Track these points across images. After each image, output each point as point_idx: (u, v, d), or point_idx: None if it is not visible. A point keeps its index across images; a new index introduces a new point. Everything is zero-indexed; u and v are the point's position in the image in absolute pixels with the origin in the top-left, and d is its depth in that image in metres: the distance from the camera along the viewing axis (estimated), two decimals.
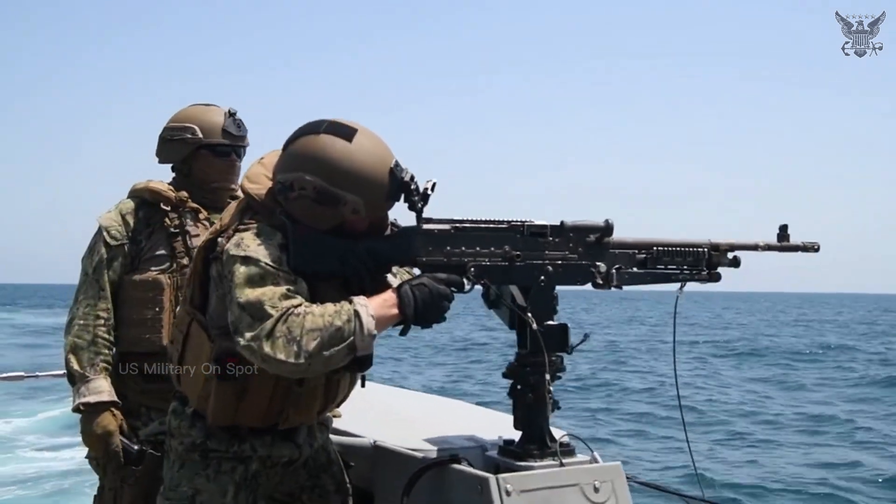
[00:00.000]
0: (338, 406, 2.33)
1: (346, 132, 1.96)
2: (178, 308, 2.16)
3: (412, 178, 2.00)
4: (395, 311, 1.92)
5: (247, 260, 1.87)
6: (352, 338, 1.82)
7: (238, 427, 2.08)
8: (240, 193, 2.13)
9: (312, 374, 1.90)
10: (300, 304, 1.84)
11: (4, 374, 5.60)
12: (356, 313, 1.84)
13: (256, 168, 2.08)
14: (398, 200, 2.02)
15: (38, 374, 5.49)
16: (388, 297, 1.93)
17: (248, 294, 1.84)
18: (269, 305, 1.81)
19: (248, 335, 1.81)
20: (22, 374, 5.58)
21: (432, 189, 2.01)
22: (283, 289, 1.85)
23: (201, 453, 2.08)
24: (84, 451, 2.72)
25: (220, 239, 1.99)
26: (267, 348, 1.79)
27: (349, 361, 1.86)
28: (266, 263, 1.87)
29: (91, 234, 2.77)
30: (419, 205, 2.02)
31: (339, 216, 1.96)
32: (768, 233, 2.50)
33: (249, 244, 1.90)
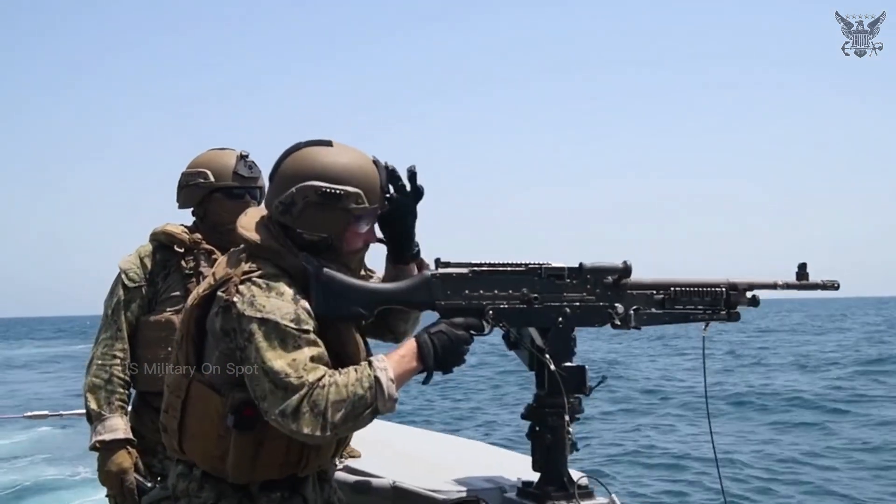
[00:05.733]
0: (347, 447, 2.32)
1: (324, 141, 2.04)
2: (167, 373, 2.12)
3: (394, 167, 2.06)
4: (415, 363, 1.94)
5: (264, 322, 1.86)
6: (374, 404, 1.86)
7: (249, 487, 2.05)
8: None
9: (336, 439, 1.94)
10: (323, 376, 1.85)
11: (30, 413, 5.68)
12: (377, 380, 1.86)
13: (245, 219, 2.07)
14: (388, 191, 2.06)
15: (62, 412, 5.55)
16: (407, 350, 1.96)
17: (271, 361, 1.83)
18: (293, 377, 1.82)
19: (274, 411, 1.82)
20: (46, 412, 5.65)
21: (415, 171, 2.06)
22: (305, 356, 1.85)
23: None
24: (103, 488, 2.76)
25: (219, 293, 1.95)
26: (293, 426, 1.81)
27: None
28: (285, 325, 1.86)
29: (90, 266, 2.85)
30: (407, 188, 2.06)
31: (346, 214, 1.99)
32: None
33: (263, 303, 1.88)
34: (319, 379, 1.84)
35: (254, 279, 1.92)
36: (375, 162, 2.05)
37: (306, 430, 1.81)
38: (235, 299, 1.90)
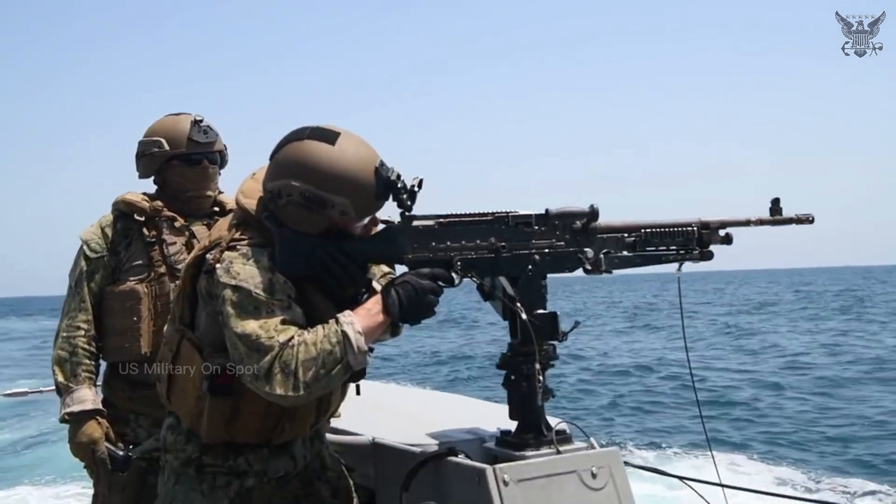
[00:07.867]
0: (331, 417, 2.32)
1: (329, 136, 1.96)
2: (165, 326, 2.16)
3: (398, 176, 1.99)
4: (381, 316, 1.93)
5: (238, 289, 1.88)
6: (345, 358, 1.85)
7: (234, 442, 2.07)
8: (232, 204, 2.08)
9: (312, 399, 1.92)
10: (292, 337, 1.85)
11: (9, 391, 5.65)
12: (344, 334, 1.86)
13: (250, 183, 2.07)
14: (386, 200, 2.01)
15: (42, 389, 5.52)
16: (373, 304, 1.95)
17: (244, 326, 1.85)
18: (264, 339, 1.84)
19: (248, 374, 1.85)
20: (27, 389, 5.62)
21: (419, 186, 2.01)
22: (277, 320, 1.86)
23: (196, 468, 2.08)
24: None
25: (208, 255, 1.98)
26: (266, 387, 1.83)
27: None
28: (257, 293, 1.88)
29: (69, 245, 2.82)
30: (407, 202, 2.02)
31: (327, 219, 1.96)
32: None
33: (239, 270, 1.91)
34: (289, 339, 1.84)
35: (238, 247, 1.95)
36: (379, 168, 1.97)
37: (279, 391, 1.82)
38: (217, 265, 1.93)
